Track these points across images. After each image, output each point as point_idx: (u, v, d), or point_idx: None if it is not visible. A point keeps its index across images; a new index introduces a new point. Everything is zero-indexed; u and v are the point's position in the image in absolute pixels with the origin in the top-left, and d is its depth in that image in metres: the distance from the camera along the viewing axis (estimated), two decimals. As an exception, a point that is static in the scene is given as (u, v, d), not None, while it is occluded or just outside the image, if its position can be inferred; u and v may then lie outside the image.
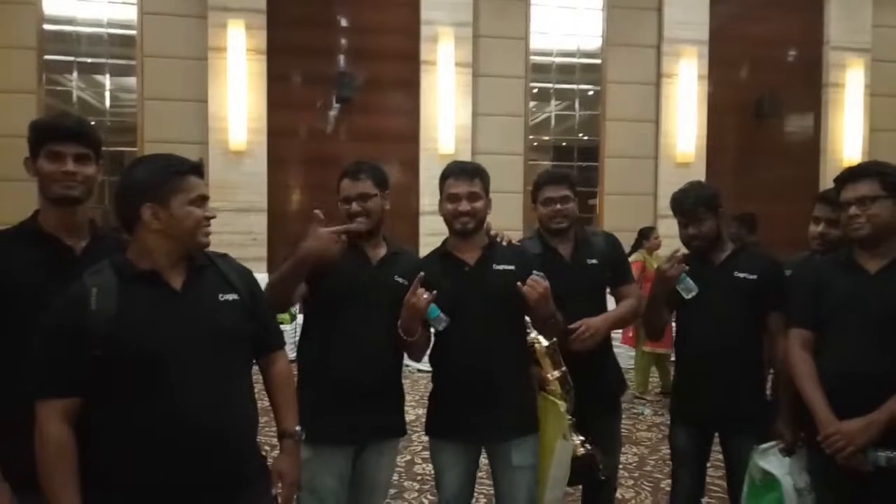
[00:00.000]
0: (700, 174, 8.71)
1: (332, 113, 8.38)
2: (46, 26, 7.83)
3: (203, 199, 1.68)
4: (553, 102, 9.00)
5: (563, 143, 9.17)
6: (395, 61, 8.35)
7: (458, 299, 2.21)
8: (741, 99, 9.20)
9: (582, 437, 2.32)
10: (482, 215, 2.28)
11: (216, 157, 7.77)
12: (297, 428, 1.88)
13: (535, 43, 8.74)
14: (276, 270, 2.18)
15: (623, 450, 3.86)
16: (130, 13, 7.99)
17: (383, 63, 8.38)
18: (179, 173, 1.65)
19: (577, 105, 9.05)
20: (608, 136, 8.89)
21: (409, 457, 4.20)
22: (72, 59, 7.94)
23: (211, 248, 1.86)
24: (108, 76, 8.12)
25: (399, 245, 2.39)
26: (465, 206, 2.24)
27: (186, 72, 7.94)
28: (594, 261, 2.59)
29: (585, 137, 9.09)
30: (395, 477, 3.64)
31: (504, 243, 2.38)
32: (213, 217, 1.71)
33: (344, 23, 8.43)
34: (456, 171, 2.29)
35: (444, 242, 2.38)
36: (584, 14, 8.90)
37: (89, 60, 8.01)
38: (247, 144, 7.87)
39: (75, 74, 8.02)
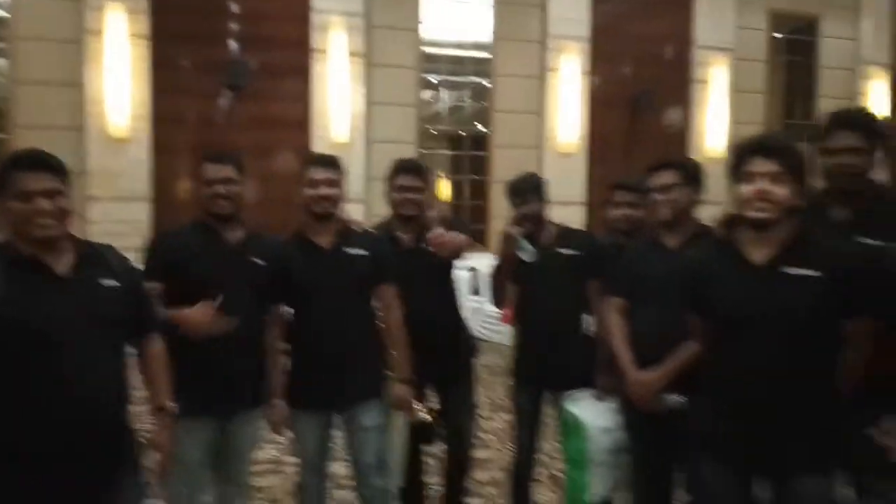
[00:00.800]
0: (582, 163, 9.25)
1: (223, 100, 8.22)
2: None
3: (30, 195, 1.70)
4: (446, 93, 9.23)
5: (456, 133, 9.43)
6: (287, 49, 8.30)
7: (313, 281, 2.40)
8: (621, 93, 9.78)
9: (424, 406, 2.60)
10: (339, 201, 2.44)
11: (94, 143, 7.46)
12: (171, 403, 2.02)
13: (428, 34, 8.92)
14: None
15: (498, 415, 4.19)
16: (-1, -8, 7.50)
17: (274, 50, 8.30)
18: (7, 170, 1.74)
19: (468, 96, 9.32)
20: (497, 126, 9.23)
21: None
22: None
23: (93, 238, 2.01)
24: (-25, 58, 7.61)
25: (257, 229, 2.52)
26: (324, 190, 2.40)
27: (62, 55, 7.56)
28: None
29: (477, 127, 9.39)
30: (276, 452, 3.74)
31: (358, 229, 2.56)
32: (49, 210, 1.73)
33: (234, 9, 8.27)
34: (316, 160, 2.50)
35: (300, 226, 2.53)
36: (474, 8, 9.17)
37: (-48, 40, 7.48)
38: (129, 131, 7.60)
39: (-65, 55, 7.46)
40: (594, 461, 2.47)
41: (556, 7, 9.26)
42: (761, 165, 1.80)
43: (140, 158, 7.67)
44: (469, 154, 9.32)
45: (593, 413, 2.52)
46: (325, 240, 2.47)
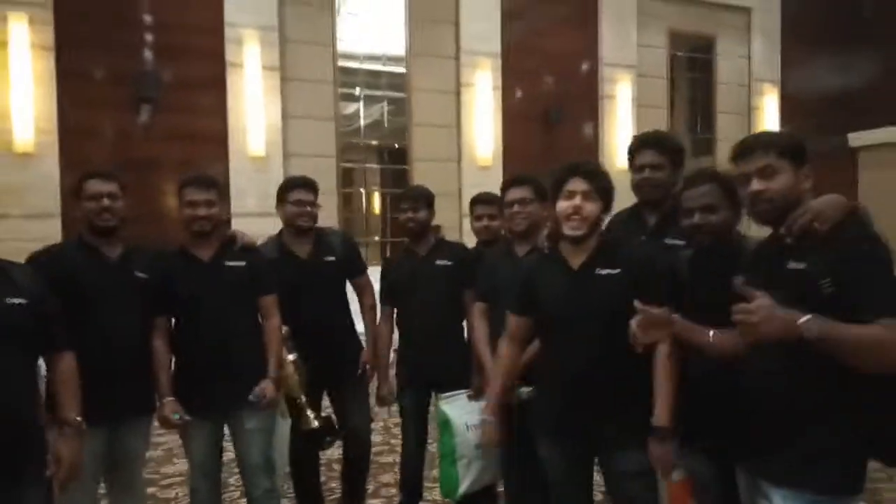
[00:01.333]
0: (498, 175, 9.56)
1: (137, 113, 8.09)
2: None
3: None
4: (363, 107, 9.38)
5: (375, 146, 9.59)
6: (201, 61, 8.25)
7: (195, 291, 2.54)
8: (533, 108, 10.19)
9: (314, 413, 2.78)
10: (216, 219, 2.61)
11: (-1, 158, 7.21)
12: (78, 417, 2.10)
13: (343, 49, 9.06)
14: None
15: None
16: None
17: (189, 62, 8.24)
18: None
19: (385, 110, 9.51)
20: (415, 140, 9.44)
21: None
22: None
23: (2, 257, 2.08)
24: None
25: (137, 243, 2.63)
26: (202, 210, 2.60)
27: (-40, 66, 7.28)
28: (331, 258, 3.00)
29: (395, 142, 9.58)
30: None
31: (238, 244, 2.71)
32: None
33: (147, 20, 8.17)
34: (193, 181, 2.64)
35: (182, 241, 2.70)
36: (388, 23, 9.38)
37: None
38: (35, 146, 7.38)
39: None
40: (463, 455, 2.67)
41: (468, 23, 9.58)
42: (577, 184, 2.07)
43: (48, 174, 7.44)
44: (390, 167, 9.50)
45: (462, 411, 2.74)
46: (205, 253, 2.59)
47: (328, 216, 8.11)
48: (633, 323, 1.85)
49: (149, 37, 8.14)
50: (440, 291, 2.94)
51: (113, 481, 2.50)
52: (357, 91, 9.30)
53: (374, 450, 3.23)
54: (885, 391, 1.55)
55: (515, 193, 2.68)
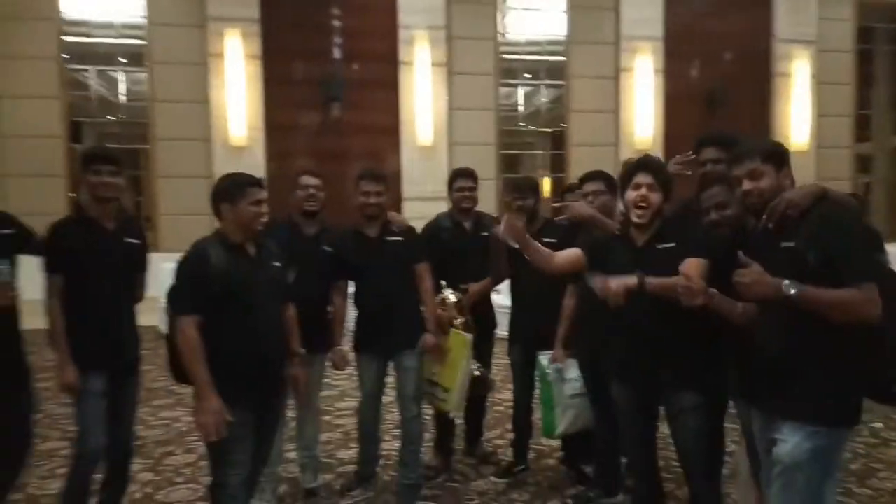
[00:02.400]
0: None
1: (327, 111, 9.31)
2: None
3: (259, 203, 2.50)
4: (522, 95, 9.93)
5: (533, 132, 10.11)
6: (378, 62, 9.28)
7: (365, 261, 3.25)
8: (696, 90, 10.08)
9: (477, 364, 3.35)
10: (383, 205, 3.28)
11: (218, 151, 8.75)
12: (302, 350, 2.80)
13: (505, 40, 9.65)
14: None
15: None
16: None
17: (368, 64, 9.33)
18: (243, 185, 2.51)
19: (544, 97, 9.97)
20: (573, 125, 9.81)
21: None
22: None
23: None
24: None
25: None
26: (373, 199, 3.26)
27: (192, 76, 8.89)
28: (486, 233, 3.61)
29: (556, 127, 10.02)
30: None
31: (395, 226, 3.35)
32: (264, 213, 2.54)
33: (334, 29, 9.35)
34: (367, 175, 3.32)
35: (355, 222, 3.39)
36: (548, 14, 9.79)
37: None
38: (246, 140, 8.85)
39: None
40: (558, 403, 3.16)
41: (629, 9, 9.70)
42: (643, 178, 2.48)
43: (256, 164, 8.87)
44: (549, 153, 9.98)
45: (559, 367, 3.22)
46: (373, 232, 3.31)
47: (487, 200, 8.79)
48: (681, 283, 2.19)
49: (336, 43, 9.32)
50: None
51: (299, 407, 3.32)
52: (517, 80, 9.85)
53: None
54: (868, 341, 1.92)
55: (590, 186, 3.12)
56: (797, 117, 10.27)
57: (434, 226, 3.64)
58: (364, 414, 3.39)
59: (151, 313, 7.04)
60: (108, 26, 9.02)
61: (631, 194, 2.54)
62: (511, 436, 3.68)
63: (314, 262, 3.20)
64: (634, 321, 2.57)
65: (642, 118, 9.77)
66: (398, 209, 8.98)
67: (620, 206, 3.07)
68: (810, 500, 1.96)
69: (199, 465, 3.69)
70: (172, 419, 4.49)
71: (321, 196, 3.23)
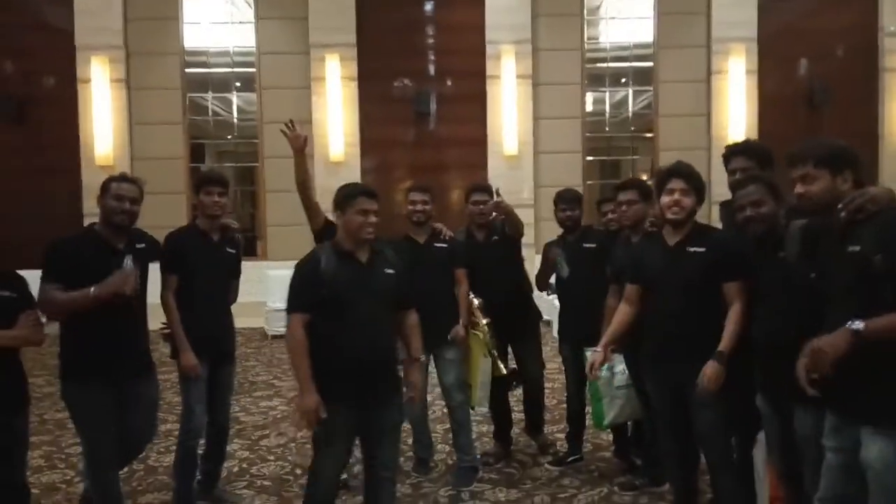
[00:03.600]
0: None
1: (417, 126, 9.83)
2: None
3: (366, 213, 2.62)
4: (608, 102, 10.02)
5: (621, 139, 10.16)
6: (466, 78, 9.69)
7: (414, 264, 3.46)
8: (793, 91, 9.77)
9: (503, 365, 3.72)
10: (429, 213, 3.69)
11: (319, 166, 9.47)
12: (422, 357, 3.06)
13: (590, 48, 9.81)
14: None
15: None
16: None
17: (457, 79, 9.78)
18: (351, 195, 2.64)
19: (631, 103, 10.01)
20: (662, 131, 9.78)
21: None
22: None
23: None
24: None
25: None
26: (419, 207, 3.67)
27: (299, 99, 9.66)
28: (496, 237, 3.89)
29: (642, 134, 10.03)
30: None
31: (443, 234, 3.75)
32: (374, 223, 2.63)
33: (425, 49, 9.87)
34: (415, 188, 3.75)
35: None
36: (637, 20, 9.84)
37: None
38: (344, 156, 9.50)
39: None
40: (605, 395, 3.36)
41: (720, 12, 9.56)
42: (676, 184, 2.66)
43: (353, 178, 9.44)
44: (632, 158, 10.00)
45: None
46: (421, 238, 3.69)
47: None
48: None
49: (426, 62, 9.84)
50: (587, 269, 3.67)
51: None
52: (604, 88, 9.96)
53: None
54: None
55: (624, 196, 3.33)
56: (907, 115, 9.70)
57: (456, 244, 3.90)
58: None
59: (259, 316, 7.80)
60: (223, 54, 9.96)
61: (665, 199, 2.77)
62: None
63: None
64: (662, 319, 2.78)
65: (735, 121, 9.57)
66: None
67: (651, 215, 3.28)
68: None
69: (288, 446, 4.19)
70: (269, 408, 5.04)
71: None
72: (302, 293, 2.58)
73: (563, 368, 3.89)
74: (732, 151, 3.00)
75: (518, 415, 4.14)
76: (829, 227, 2.15)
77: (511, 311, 3.82)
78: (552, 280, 4.03)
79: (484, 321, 3.70)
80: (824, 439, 2.14)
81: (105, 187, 2.89)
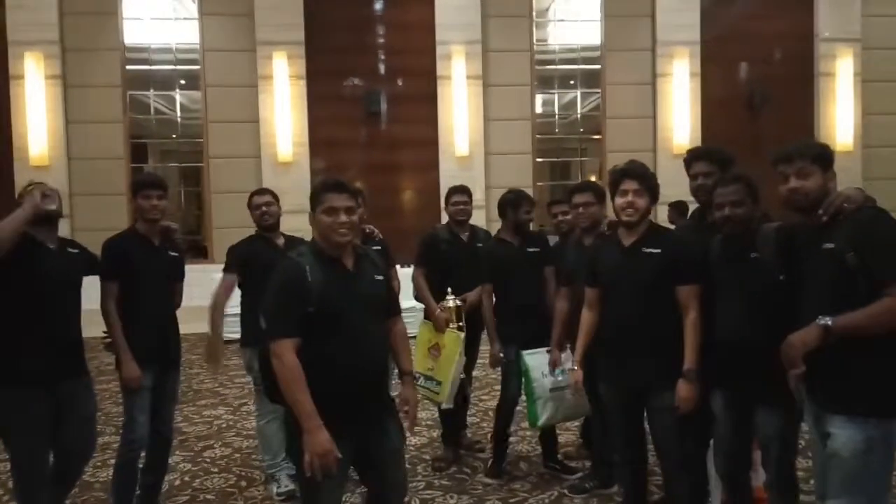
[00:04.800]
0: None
1: (367, 126, 9.74)
2: None
3: (335, 210, 2.22)
4: (557, 104, 10.13)
5: (569, 140, 10.28)
6: (417, 77, 9.64)
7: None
8: (735, 93, 10.06)
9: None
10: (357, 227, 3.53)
11: (267, 167, 9.28)
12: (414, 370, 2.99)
13: (540, 55, 9.87)
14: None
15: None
16: None
17: (407, 79, 9.73)
18: (317, 192, 2.28)
19: (579, 105, 10.13)
20: (609, 132, 9.94)
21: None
22: None
23: None
24: None
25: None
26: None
27: (244, 98, 9.44)
28: (480, 244, 3.93)
29: (590, 136, 10.17)
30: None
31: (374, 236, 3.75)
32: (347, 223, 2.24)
33: (374, 48, 9.78)
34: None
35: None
36: (583, 23, 9.97)
37: None
38: (292, 156, 9.34)
39: None
40: (539, 396, 3.40)
41: (665, 15, 9.76)
42: (629, 184, 2.67)
43: (302, 178, 9.34)
44: (581, 160, 10.13)
45: (539, 363, 3.44)
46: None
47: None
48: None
49: (376, 62, 9.76)
50: (530, 272, 3.66)
51: None
52: (553, 90, 10.05)
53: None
54: None
55: (579, 198, 3.33)
56: (842, 117, 10.07)
57: (432, 237, 3.94)
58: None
59: (205, 321, 7.53)
60: (166, 51, 9.67)
61: (619, 200, 2.75)
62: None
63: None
64: (619, 321, 2.78)
65: (680, 123, 9.79)
66: (437, 218, 9.30)
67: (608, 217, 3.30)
68: (874, 489, 2.04)
69: (233, 457, 4.06)
70: (214, 417, 4.89)
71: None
72: (289, 313, 2.15)
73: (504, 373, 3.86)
74: (694, 156, 3.00)
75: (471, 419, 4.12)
76: (803, 227, 2.23)
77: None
78: None
79: (457, 323, 3.70)
80: (810, 431, 2.23)
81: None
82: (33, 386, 2.69)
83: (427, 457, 3.95)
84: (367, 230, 3.73)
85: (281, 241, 3.56)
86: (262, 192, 3.66)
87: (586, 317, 2.98)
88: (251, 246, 3.57)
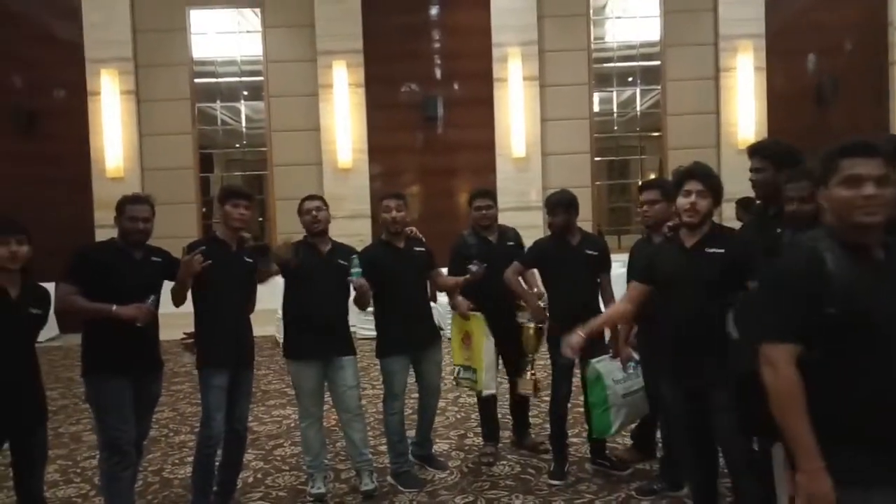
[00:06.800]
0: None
1: (425, 131, 9.85)
2: None
3: (860, 180, 1.66)
4: (616, 102, 9.99)
5: (629, 138, 10.13)
6: (473, 80, 9.68)
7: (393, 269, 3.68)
8: (802, 86, 9.70)
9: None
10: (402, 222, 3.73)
11: (328, 173, 9.50)
12: None
13: (597, 52, 9.78)
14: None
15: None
16: None
17: (464, 83, 9.78)
18: (833, 158, 1.71)
19: (639, 102, 9.98)
20: (670, 129, 9.74)
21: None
22: None
23: None
24: None
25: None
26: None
27: (305, 106, 9.68)
28: (511, 243, 4.03)
29: (649, 133, 9.99)
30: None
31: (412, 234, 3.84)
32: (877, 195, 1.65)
33: (431, 54, 9.88)
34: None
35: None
36: (643, 19, 9.81)
37: None
38: (352, 163, 9.53)
39: None
40: (613, 404, 3.38)
41: (727, 9, 9.52)
42: (693, 185, 2.65)
43: (361, 184, 9.52)
44: (640, 158, 9.97)
45: (610, 369, 3.43)
46: (400, 243, 3.75)
47: (584, 207, 8.89)
48: None
49: (432, 67, 9.85)
50: (583, 274, 3.66)
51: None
52: (611, 87, 9.94)
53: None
54: None
55: (647, 195, 3.33)
56: (919, 107, 9.61)
57: (461, 243, 4.00)
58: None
59: (270, 324, 7.80)
60: (231, 63, 10.01)
61: (682, 201, 2.74)
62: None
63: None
64: (681, 322, 2.75)
65: (744, 118, 9.52)
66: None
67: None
68: None
69: (302, 455, 4.17)
70: (283, 416, 5.04)
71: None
72: (794, 310, 1.68)
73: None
74: (751, 151, 2.99)
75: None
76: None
77: (506, 311, 3.93)
78: None
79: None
80: None
81: (120, 209, 3.11)
82: (121, 376, 3.01)
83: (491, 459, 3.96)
84: (410, 232, 3.81)
85: (328, 246, 3.64)
86: (313, 197, 3.70)
87: (619, 307, 3.01)
88: (297, 250, 3.62)
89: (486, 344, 3.68)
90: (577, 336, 2.90)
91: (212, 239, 3.42)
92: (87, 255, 3.11)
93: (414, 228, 3.88)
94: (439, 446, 4.16)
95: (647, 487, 3.42)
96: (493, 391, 3.80)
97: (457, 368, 3.90)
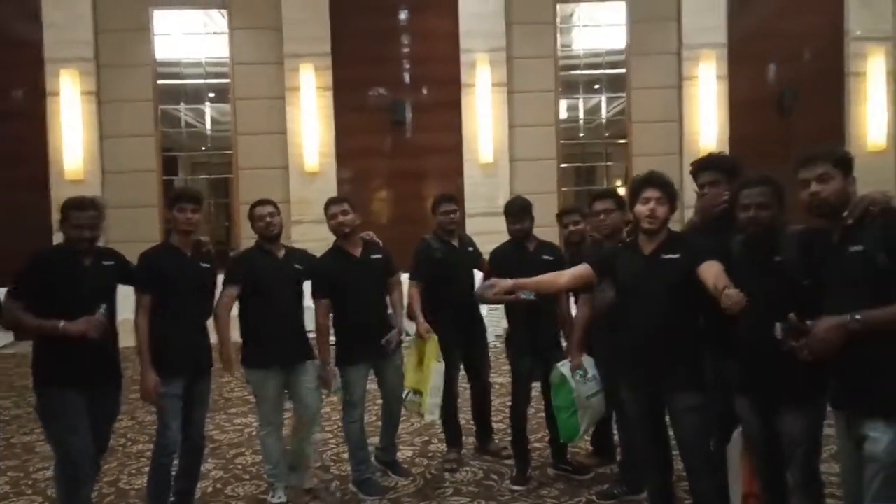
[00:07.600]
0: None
1: (392, 135, 9.83)
2: None
3: None
4: (582, 109, 10.11)
5: (594, 145, 10.26)
6: (441, 86, 9.71)
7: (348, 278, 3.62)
8: (763, 95, 9.92)
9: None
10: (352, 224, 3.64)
11: (294, 178, 9.42)
12: None
13: (564, 60, 9.88)
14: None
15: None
16: None
17: (431, 88, 9.80)
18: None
19: (604, 110, 10.11)
20: (634, 137, 9.88)
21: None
22: None
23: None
24: None
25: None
26: (341, 218, 3.64)
27: (271, 110, 9.59)
28: (471, 249, 4.10)
29: (613, 140, 10.13)
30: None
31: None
32: None
33: (399, 58, 9.88)
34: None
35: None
36: (608, 28, 9.94)
37: None
38: (318, 166, 9.45)
39: None
40: (580, 406, 3.39)
41: (690, 18, 9.69)
42: (651, 192, 2.68)
43: (329, 188, 9.43)
44: (606, 164, 10.09)
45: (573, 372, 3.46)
46: (356, 252, 3.66)
47: (548, 213, 8.95)
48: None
49: (401, 71, 9.85)
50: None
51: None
52: (577, 95, 10.04)
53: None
54: None
55: (600, 205, 3.36)
56: (874, 117, 9.87)
57: (426, 247, 3.98)
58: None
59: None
60: (196, 65, 9.87)
61: (641, 208, 2.77)
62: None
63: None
64: (641, 327, 2.78)
65: (707, 126, 9.70)
66: (463, 225, 9.33)
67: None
68: None
69: (263, 464, 4.12)
70: (244, 424, 4.97)
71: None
72: None
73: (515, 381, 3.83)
74: (700, 166, 3.01)
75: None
76: (823, 231, 2.25)
77: (468, 316, 3.98)
78: None
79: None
80: (837, 436, 2.25)
81: (64, 215, 2.99)
82: (76, 388, 2.91)
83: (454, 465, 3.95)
84: (367, 237, 3.76)
85: (283, 252, 3.60)
86: (264, 202, 3.62)
87: (553, 274, 3.11)
88: (251, 257, 3.59)
89: (435, 367, 3.63)
90: (508, 281, 2.97)
91: (166, 246, 3.35)
92: (32, 267, 2.98)
93: (371, 233, 3.83)
94: (403, 453, 4.14)
95: (607, 492, 3.45)
96: (435, 417, 3.76)
97: (407, 391, 3.77)
